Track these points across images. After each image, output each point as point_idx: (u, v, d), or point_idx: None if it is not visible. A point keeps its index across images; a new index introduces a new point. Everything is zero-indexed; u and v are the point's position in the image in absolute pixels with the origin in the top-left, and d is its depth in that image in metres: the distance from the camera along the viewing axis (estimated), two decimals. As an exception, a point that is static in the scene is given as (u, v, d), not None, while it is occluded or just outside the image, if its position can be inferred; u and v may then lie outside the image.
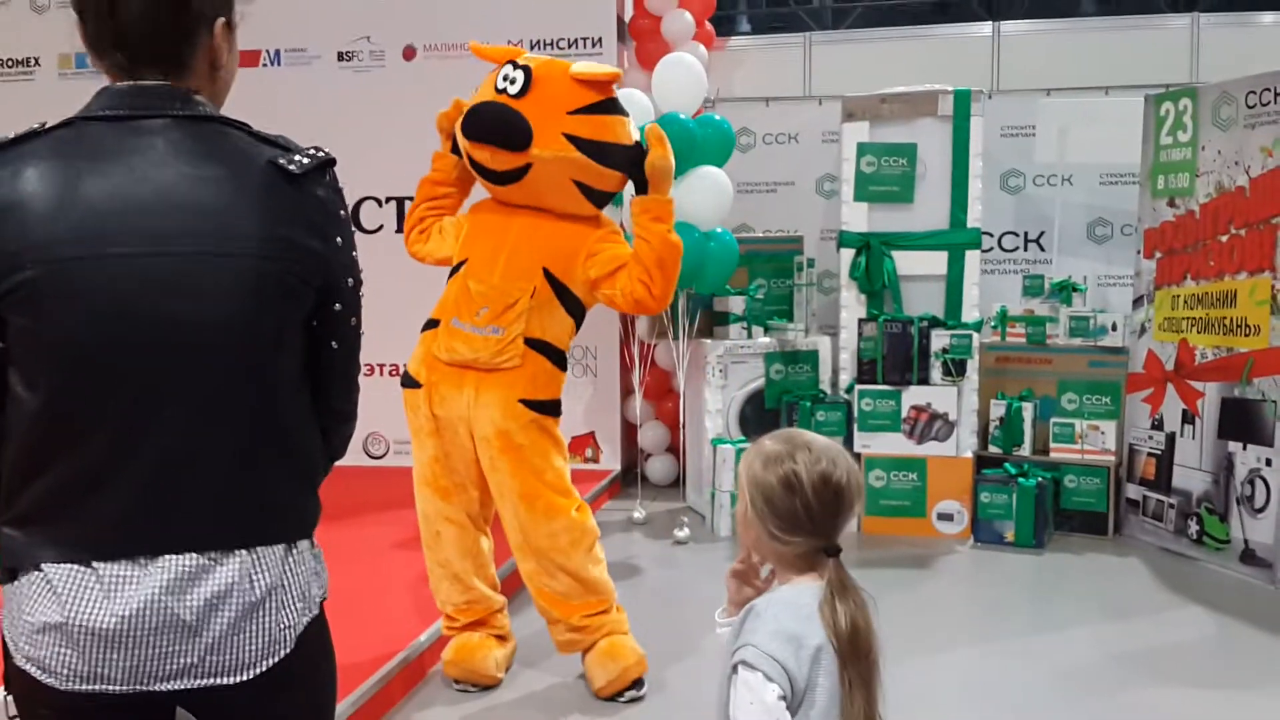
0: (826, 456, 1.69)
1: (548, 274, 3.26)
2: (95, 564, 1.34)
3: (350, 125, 5.67)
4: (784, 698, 1.59)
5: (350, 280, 1.50)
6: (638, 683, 3.33)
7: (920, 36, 6.39)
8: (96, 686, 1.35)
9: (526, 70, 3.23)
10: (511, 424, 3.20)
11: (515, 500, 3.25)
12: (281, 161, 1.41)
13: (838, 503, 1.68)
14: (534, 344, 3.24)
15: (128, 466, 1.34)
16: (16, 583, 1.38)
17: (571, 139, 3.20)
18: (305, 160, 1.43)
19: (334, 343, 1.51)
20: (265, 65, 6.20)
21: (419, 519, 3.40)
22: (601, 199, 3.38)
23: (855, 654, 1.62)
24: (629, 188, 3.40)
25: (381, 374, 6.13)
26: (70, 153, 1.36)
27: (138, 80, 1.42)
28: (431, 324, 3.32)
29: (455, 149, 3.44)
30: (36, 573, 1.36)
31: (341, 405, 1.57)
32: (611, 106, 3.31)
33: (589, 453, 6.01)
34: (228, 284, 1.36)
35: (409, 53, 6.07)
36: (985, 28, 6.17)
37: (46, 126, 1.39)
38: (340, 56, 6.09)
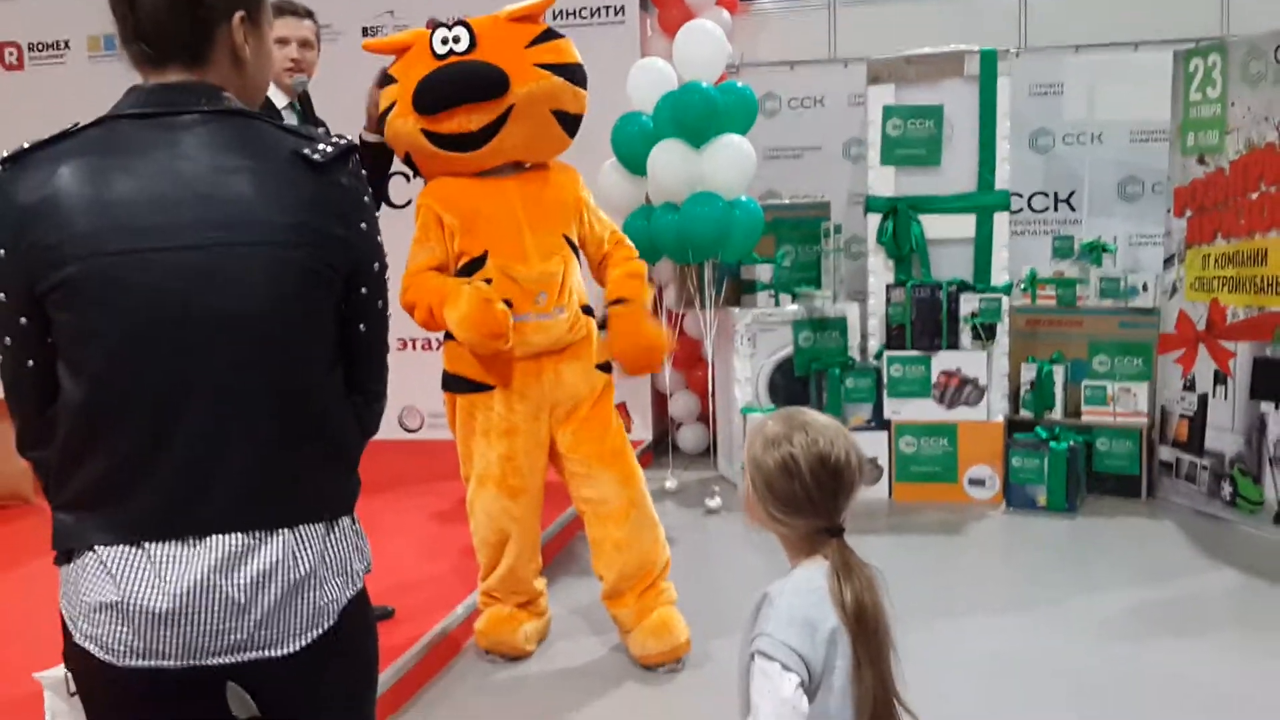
0: (824, 437, 1.70)
1: (566, 239, 3.32)
2: (146, 544, 1.40)
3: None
4: (802, 684, 1.61)
5: (376, 265, 1.53)
6: (682, 659, 3.41)
7: (946, -3, 6.31)
8: (152, 663, 1.40)
9: (465, 26, 3.17)
10: (594, 391, 3.36)
11: (610, 461, 3.37)
12: (305, 151, 1.44)
13: (836, 483, 1.69)
14: (583, 309, 3.37)
15: (167, 451, 1.39)
16: (72, 564, 1.44)
17: (544, 66, 3.19)
18: (328, 149, 1.46)
19: (362, 325, 1.54)
20: (290, 42, 6.22)
21: (480, 517, 3.39)
22: (575, 125, 3.34)
23: (864, 632, 1.64)
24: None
25: (414, 349, 6.19)
26: (102, 151, 1.41)
27: (162, 71, 1.46)
28: None
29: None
30: (90, 554, 1.41)
31: (373, 385, 1.61)
32: (554, 34, 3.29)
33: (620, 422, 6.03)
34: (257, 274, 1.40)
35: (432, 26, 6.06)
36: (1012, -15, 6.08)
37: (79, 126, 1.43)
38: (364, 32, 6.08)
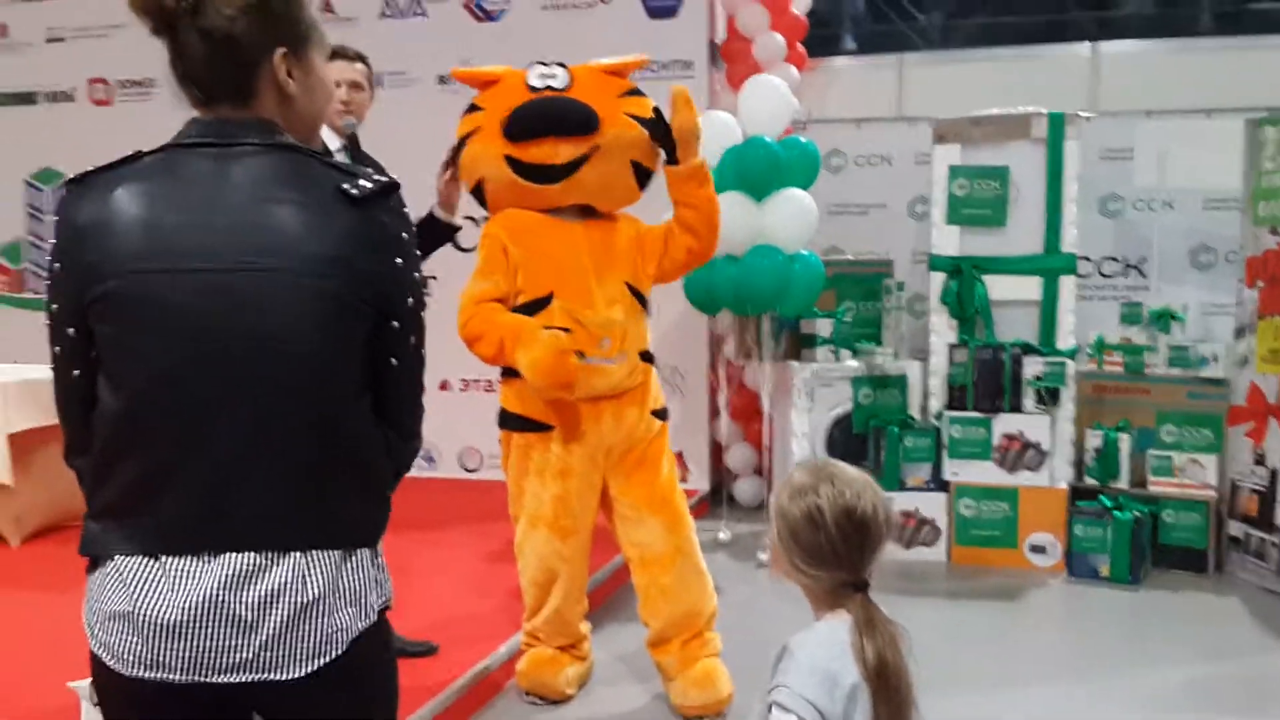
0: (851, 489, 1.68)
1: (629, 286, 3.34)
2: (163, 557, 1.43)
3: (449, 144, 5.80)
4: None
5: (410, 300, 1.55)
6: (724, 712, 3.37)
7: (1018, 58, 6.28)
8: (158, 675, 1.42)
9: (562, 66, 3.28)
10: (649, 435, 3.37)
11: (659, 507, 3.37)
12: (345, 187, 1.48)
13: (862, 536, 1.67)
14: (643, 356, 3.38)
15: (192, 467, 1.42)
16: (95, 573, 1.48)
17: (633, 118, 3.27)
18: (368, 185, 1.50)
19: (394, 359, 1.55)
20: (369, 88, 6.38)
21: (529, 557, 3.39)
22: (647, 181, 3.40)
23: (885, 689, 1.61)
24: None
25: (476, 390, 6.24)
26: (156, 177, 1.47)
27: (213, 110, 1.52)
28: None
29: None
30: (111, 563, 1.45)
31: (405, 420, 1.62)
32: (641, 92, 3.39)
33: (677, 472, 6.02)
34: (289, 300, 1.43)
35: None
36: (1084, 49, 6.04)
37: (141, 153, 1.50)
38: (440, 80, 6.22)
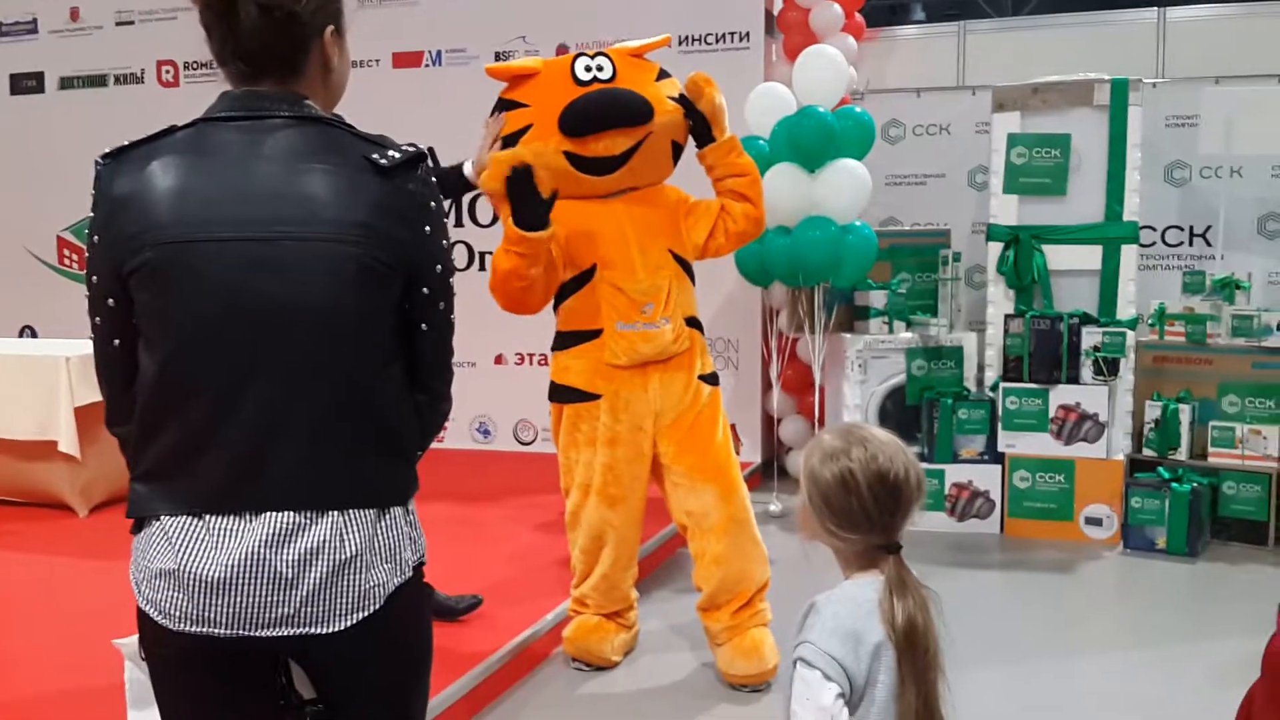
0: (884, 453, 1.68)
1: (673, 254, 3.38)
2: (206, 516, 1.49)
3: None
4: (843, 695, 1.60)
5: (439, 267, 1.60)
6: (769, 682, 3.40)
7: (1082, 24, 6.14)
8: (203, 629, 1.48)
9: (606, 57, 3.32)
10: (699, 402, 3.39)
11: (714, 475, 3.40)
12: (374, 157, 1.53)
13: (895, 500, 1.67)
14: (690, 322, 3.42)
15: (227, 430, 1.48)
16: (141, 533, 1.54)
17: (673, 100, 3.35)
18: (396, 155, 1.55)
19: (424, 325, 1.61)
20: (427, 65, 6.47)
21: (580, 528, 3.45)
22: (679, 155, 3.48)
23: (912, 651, 1.62)
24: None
25: (531, 363, 6.32)
26: (189, 150, 1.52)
27: (255, 85, 1.57)
28: (586, 335, 3.34)
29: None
30: (156, 523, 1.51)
31: (435, 384, 1.67)
32: (667, 73, 3.46)
33: (731, 441, 6.04)
34: (318, 267, 1.49)
35: (561, 51, 6.22)
36: (1151, 14, 5.89)
37: (175, 127, 1.55)
38: (497, 56, 6.27)
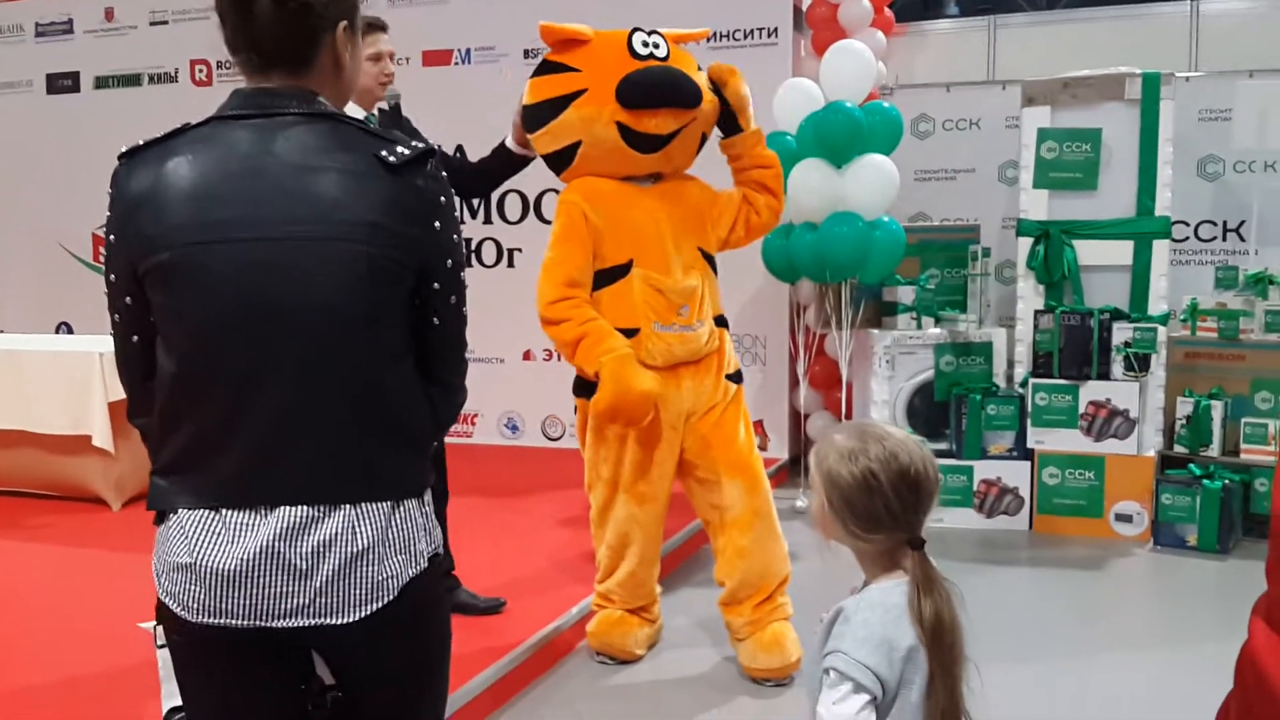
0: (903, 449, 1.67)
1: (701, 252, 3.39)
2: (223, 510, 1.51)
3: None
4: (874, 702, 1.59)
5: (449, 262, 1.61)
6: (791, 676, 3.40)
7: (1114, 18, 6.08)
8: (220, 620, 1.51)
9: (660, 36, 3.31)
10: (724, 400, 3.40)
11: (738, 470, 3.40)
12: (383, 154, 1.54)
13: (916, 495, 1.66)
14: (718, 320, 3.43)
15: (243, 427, 1.50)
16: (162, 526, 1.58)
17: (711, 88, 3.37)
18: (405, 152, 1.55)
19: (436, 319, 1.62)
20: (456, 64, 6.50)
21: (608, 524, 3.46)
22: (702, 145, 3.47)
23: (939, 645, 1.61)
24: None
25: (558, 359, 6.33)
26: (203, 150, 1.54)
27: (267, 77, 1.58)
28: (623, 334, 3.25)
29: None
30: (174, 517, 1.54)
31: (449, 376, 1.69)
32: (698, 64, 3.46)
33: (757, 440, 6.04)
34: (328, 266, 1.50)
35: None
36: (1184, 7, 5.82)
37: (188, 126, 1.57)
38: (526, 54, 6.29)
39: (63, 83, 7.35)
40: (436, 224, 1.59)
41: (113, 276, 1.58)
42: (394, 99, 3.52)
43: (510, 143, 3.52)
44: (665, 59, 3.26)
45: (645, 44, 3.25)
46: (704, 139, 3.44)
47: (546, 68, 3.34)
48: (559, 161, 3.39)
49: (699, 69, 3.40)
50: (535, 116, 3.33)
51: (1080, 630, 3.86)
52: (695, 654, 3.64)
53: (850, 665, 1.60)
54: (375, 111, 3.49)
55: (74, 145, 7.09)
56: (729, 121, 3.38)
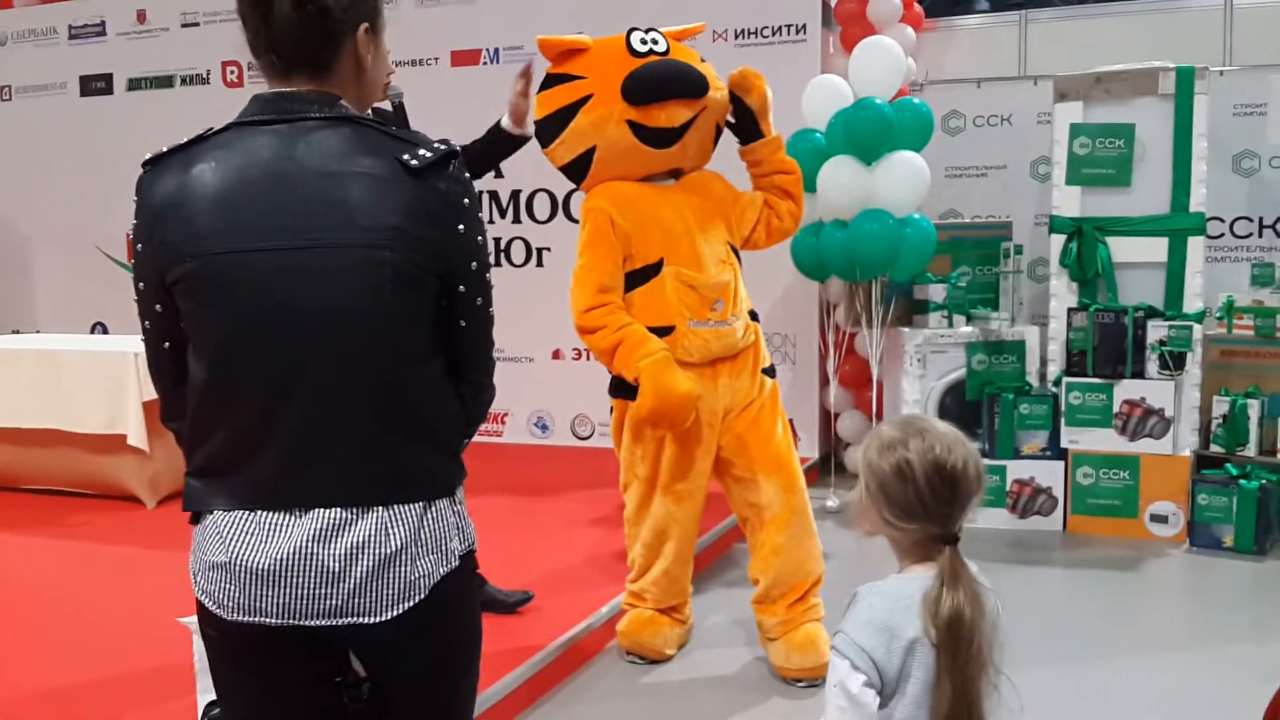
0: (942, 444, 1.67)
1: (730, 247, 3.40)
2: (257, 512, 1.53)
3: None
4: (872, 685, 1.60)
5: (474, 264, 1.61)
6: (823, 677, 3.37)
7: (1146, 11, 6.01)
8: (255, 618, 1.53)
9: (658, 33, 3.33)
10: (761, 395, 3.39)
11: (775, 468, 3.39)
12: (405, 157, 1.53)
13: (952, 490, 1.66)
14: (751, 315, 3.44)
15: (274, 432, 1.52)
16: (199, 525, 1.59)
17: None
18: (428, 155, 1.55)
19: (463, 321, 1.63)
20: (485, 63, 6.51)
21: (645, 523, 3.45)
22: (718, 140, 3.49)
23: (953, 644, 1.60)
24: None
25: (588, 358, 6.32)
26: (226, 156, 1.54)
27: (288, 80, 1.58)
28: (657, 333, 3.23)
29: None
30: (210, 517, 1.56)
31: (477, 376, 1.69)
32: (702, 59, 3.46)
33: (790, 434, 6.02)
34: (354, 273, 1.50)
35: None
36: (1218, 0, 5.75)
37: (211, 131, 1.57)
38: (554, 52, 6.28)
39: (96, 85, 7.42)
40: (460, 227, 1.58)
41: (142, 284, 1.59)
42: (397, 97, 3.53)
43: (506, 122, 3.47)
44: (665, 54, 3.28)
45: (644, 41, 3.28)
46: (719, 131, 3.44)
47: (551, 80, 3.38)
48: (577, 171, 3.40)
49: (702, 60, 3.39)
50: (547, 130, 3.37)
51: (1114, 632, 3.82)
52: (726, 654, 3.63)
53: (847, 644, 1.64)
54: (371, 112, 3.51)
55: (107, 147, 7.13)
56: (750, 127, 3.38)
